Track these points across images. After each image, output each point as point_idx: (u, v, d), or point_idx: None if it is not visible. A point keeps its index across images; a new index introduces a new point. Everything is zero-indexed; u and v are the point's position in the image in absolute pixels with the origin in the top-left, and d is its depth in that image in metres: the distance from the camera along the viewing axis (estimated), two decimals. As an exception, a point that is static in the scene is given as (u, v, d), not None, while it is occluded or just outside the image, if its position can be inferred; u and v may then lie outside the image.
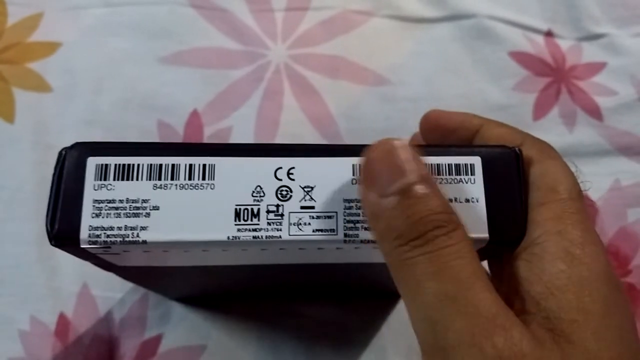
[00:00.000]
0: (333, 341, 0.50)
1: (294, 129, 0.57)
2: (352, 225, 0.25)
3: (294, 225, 0.24)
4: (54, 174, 0.25)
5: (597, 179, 0.56)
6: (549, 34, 0.62)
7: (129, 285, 0.50)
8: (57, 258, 0.51)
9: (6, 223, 0.52)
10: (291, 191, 0.25)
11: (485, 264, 0.39)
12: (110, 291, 0.51)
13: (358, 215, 0.25)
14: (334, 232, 0.25)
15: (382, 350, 0.51)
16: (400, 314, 0.52)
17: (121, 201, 0.24)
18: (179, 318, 0.50)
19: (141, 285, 0.43)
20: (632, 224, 0.55)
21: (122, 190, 0.24)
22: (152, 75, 0.58)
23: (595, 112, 0.59)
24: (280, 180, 0.25)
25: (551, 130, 0.58)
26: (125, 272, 0.32)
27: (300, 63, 0.60)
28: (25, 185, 0.53)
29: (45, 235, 0.51)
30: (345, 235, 0.25)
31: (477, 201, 0.26)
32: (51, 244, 0.24)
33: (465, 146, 0.28)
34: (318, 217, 0.25)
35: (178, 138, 0.55)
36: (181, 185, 0.24)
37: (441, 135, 0.33)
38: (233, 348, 0.50)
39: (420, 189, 0.23)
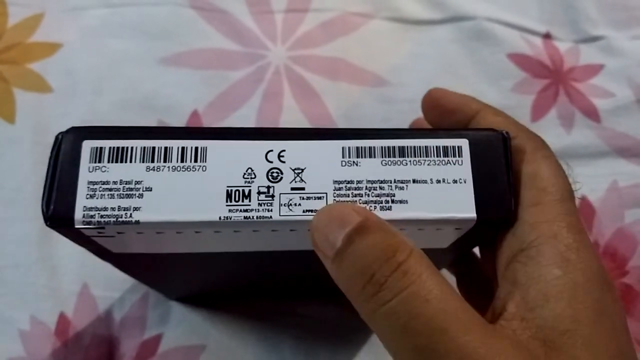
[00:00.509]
0: (332, 340, 0.51)
1: (294, 130, 0.57)
2: None
3: (284, 206, 0.25)
4: (50, 157, 0.25)
5: (594, 180, 0.57)
6: (547, 36, 0.63)
7: (128, 284, 0.50)
8: (57, 258, 0.51)
9: (6, 223, 0.52)
10: (282, 173, 0.25)
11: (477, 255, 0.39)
12: (110, 291, 0.51)
13: (347, 196, 0.25)
14: None
15: (381, 349, 0.51)
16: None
17: (115, 183, 0.24)
18: (179, 318, 0.50)
19: (139, 278, 0.43)
20: (629, 225, 0.55)
21: (116, 172, 0.25)
22: (152, 76, 0.58)
23: (593, 114, 0.59)
24: (271, 162, 0.25)
25: (549, 132, 0.58)
26: (121, 262, 0.32)
27: (300, 64, 0.60)
28: (25, 185, 0.53)
29: (45, 235, 0.51)
30: None
31: (465, 182, 0.26)
32: (46, 225, 0.24)
33: (453, 129, 0.28)
34: (308, 198, 0.25)
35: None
36: (174, 167, 0.25)
37: (440, 114, 0.33)
38: (233, 348, 0.50)
39: (358, 232, 0.23)
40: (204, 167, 0.25)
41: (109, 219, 0.24)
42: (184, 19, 0.61)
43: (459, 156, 0.26)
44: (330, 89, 0.59)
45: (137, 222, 0.24)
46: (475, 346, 0.22)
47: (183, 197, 0.25)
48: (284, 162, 0.25)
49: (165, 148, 0.25)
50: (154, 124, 0.56)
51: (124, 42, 0.60)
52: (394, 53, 0.62)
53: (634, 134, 0.58)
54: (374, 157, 0.26)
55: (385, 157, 0.26)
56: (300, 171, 0.25)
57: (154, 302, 0.51)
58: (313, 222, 0.25)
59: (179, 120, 0.56)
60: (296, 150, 0.26)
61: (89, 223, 0.24)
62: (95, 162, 0.25)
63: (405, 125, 0.57)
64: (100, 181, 0.24)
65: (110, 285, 0.51)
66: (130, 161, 0.25)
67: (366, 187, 0.25)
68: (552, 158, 0.28)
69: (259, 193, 0.25)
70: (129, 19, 0.61)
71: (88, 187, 0.24)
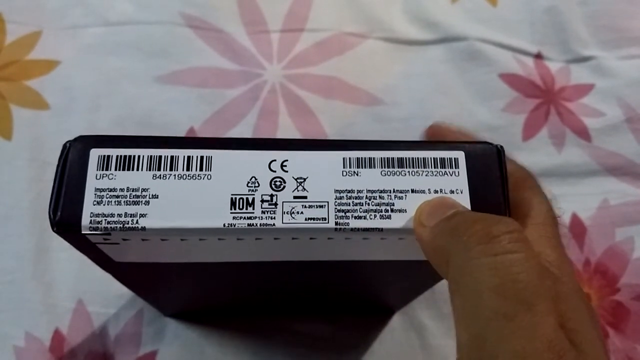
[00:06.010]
0: (326, 357, 0.51)
1: (289, 148, 0.57)
2: (342, 214, 0.26)
3: (287, 213, 0.25)
4: (57, 165, 0.25)
5: (585, 198, 0.57)
6: (538, 56, 0.64)
7: (124, 301, 0.50)
8: (52, 274, 0.51)
9: (2, 239, 0.52)
10: (284, 182, 0.26)
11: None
12: (106, 307, 0.51)
13: (348, 205, 0.26)
14: (325, 220, 0.25)
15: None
16: (391, 331, 0.52)
17: (122, 190, 0.25)
18: (174, 334, 0.50)
19: (136, 291, 0.43)
20: (620, 242, 0.55)
21: (123, 179, 0.25)
22: (149, 93, 0.59)
23: (583, 133, 0.60)
24: (274, 171, 0.26)
25: (540, 151, 0.59)
26: (121, 272, 0.33)
27: (295, 83, 0.61)
28: (21, 201, 0.53)
29: (41, 251, 0.51)
30: (337, 223, 0.25)
31: (462, 193, 0.27)
32: (53, 231, 0.24)
33: (450, 142, 0.29)
34: (310, 206, 0.25)
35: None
36: (179, 176, 0.25)
37: None
38: (227, 364, 0.50)
39: None
40: (209, 176, 0.25)
41: (116, 225, 0.24)
42: (180, 38, 0.62)
43: (455, 167, 0.27)
44: (325, 107, 0.60)
45: (143, 228, 0.24)
46: (549, 333, 0.21)
47: (188, 204, 0.25)
48: (286, 171, 0.26)
49: (172, 157, 0.26)
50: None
51: (121, 60, 0.60)
52: (388, 73, 0.62)
53: (624, 152, 0.59)
54: (374, 167, 0.27)
55: (384, 167, 0.27)
56: (302, 180, 0.26)
57: (149, 319, 0.51)
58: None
59: (175, 138, 0.56)
60: (299, 160, 0.26)
61: (95, 229, 0.24)
62: (102, 170, 0.25)
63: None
64: (107, 188, 0.25)
65: (105, 301, 0.51)
66: (137, 169, 0.25)
67: (366, 196, 0.26)
68: (537, 188, 0.29)
69: (262, 201, 0.25)
70: (127, 37, 0.61)
71: (95, 194, 0.25)
